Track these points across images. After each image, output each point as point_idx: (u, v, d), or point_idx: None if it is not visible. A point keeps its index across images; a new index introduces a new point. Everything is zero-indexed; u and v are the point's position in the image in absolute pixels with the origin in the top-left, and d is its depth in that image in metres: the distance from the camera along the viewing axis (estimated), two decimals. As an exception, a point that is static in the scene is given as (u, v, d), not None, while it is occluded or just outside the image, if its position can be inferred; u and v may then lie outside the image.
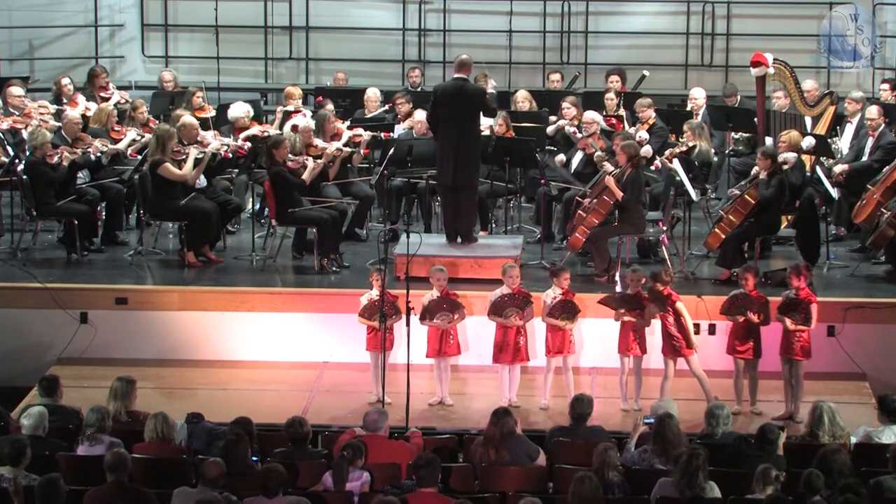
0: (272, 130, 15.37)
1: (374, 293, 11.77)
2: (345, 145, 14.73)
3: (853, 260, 13.95)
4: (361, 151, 14.91)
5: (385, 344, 11.49)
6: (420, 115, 15.10)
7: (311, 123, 14.77)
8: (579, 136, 14.80)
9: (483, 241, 13.64)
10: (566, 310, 11.67)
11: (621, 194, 12.97)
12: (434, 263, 12.30)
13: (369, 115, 16.25)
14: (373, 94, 16.63)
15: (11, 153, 14.25)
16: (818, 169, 14.08)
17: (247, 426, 9.42)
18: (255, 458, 9.21)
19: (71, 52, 19.88)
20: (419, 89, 17.56)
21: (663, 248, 13.78)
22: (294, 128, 14.58)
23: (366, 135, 14.96)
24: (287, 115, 15.82)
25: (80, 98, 15.84)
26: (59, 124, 14.61)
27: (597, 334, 12.37)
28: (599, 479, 8.75)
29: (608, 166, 13.45)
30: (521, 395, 11.88)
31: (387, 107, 16.50)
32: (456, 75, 13.26)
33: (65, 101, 15.84)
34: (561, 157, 14.70)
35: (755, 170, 13.32)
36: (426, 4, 20.08)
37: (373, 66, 19.83)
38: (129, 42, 20.37)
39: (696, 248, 14.06)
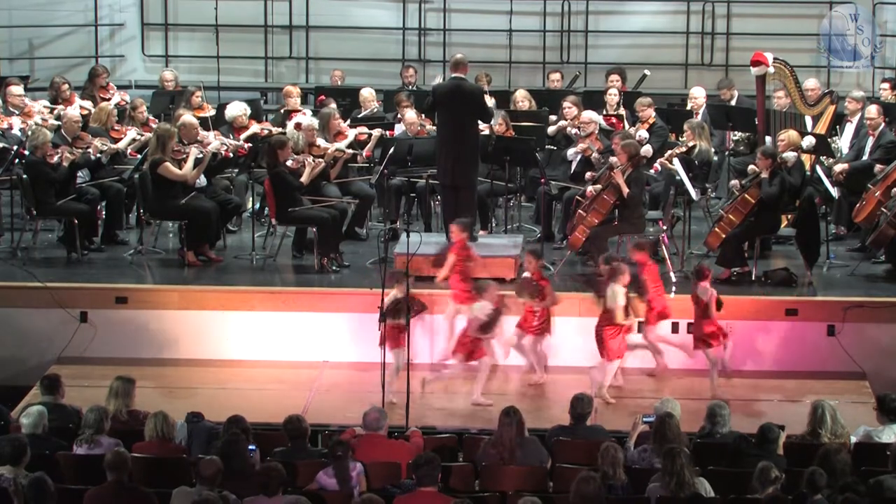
0: (275, 129, 15.37)
1: (396, 293, 11.65)
2: (349, 145, 14.72)
3: (853, 259, 13.94)
4: (364, 153, 14.88)
5: (399, 342, 11.42)
6: (411, 116, 15.10)
7: (315, 122, 14.75)
8: (581, 135, 14.79)
9: (483, 240, 13.62)
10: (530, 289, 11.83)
11: (627, 190, 12.95)
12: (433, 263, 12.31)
13: (363, 114, 16.22)
14: (368, 93, 16.62)
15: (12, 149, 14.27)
16: (818, 168, 14.08)
17: (241, 423, 9.41)
18: (252, 448, 9.16)
19: (71, 52, 19.89)
20: (414, 88, 17.55)
21: (663, 247, 13.78)
22: (298, 126, 14.56)
23: (375, 132, 14.94)
24: (287, 115, 15.81)
25: (77, 98, 15.87)
26: (59, 123, 14.62)
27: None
28: (609, 479, 8.74)
29: (613, 159, 13.39)
30: (494, 395, 11.77)
31: (377, 104, 16.48)
32: (454, 75, 13.26)
33: (61, 101, 15.85)
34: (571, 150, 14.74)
35: (752, 168, 13.32)
36: (426, 4, 20.09)
37: (373, 66, 19.83)
38: (129, 41, 20.38)
39: (696, 248, 14.05)
